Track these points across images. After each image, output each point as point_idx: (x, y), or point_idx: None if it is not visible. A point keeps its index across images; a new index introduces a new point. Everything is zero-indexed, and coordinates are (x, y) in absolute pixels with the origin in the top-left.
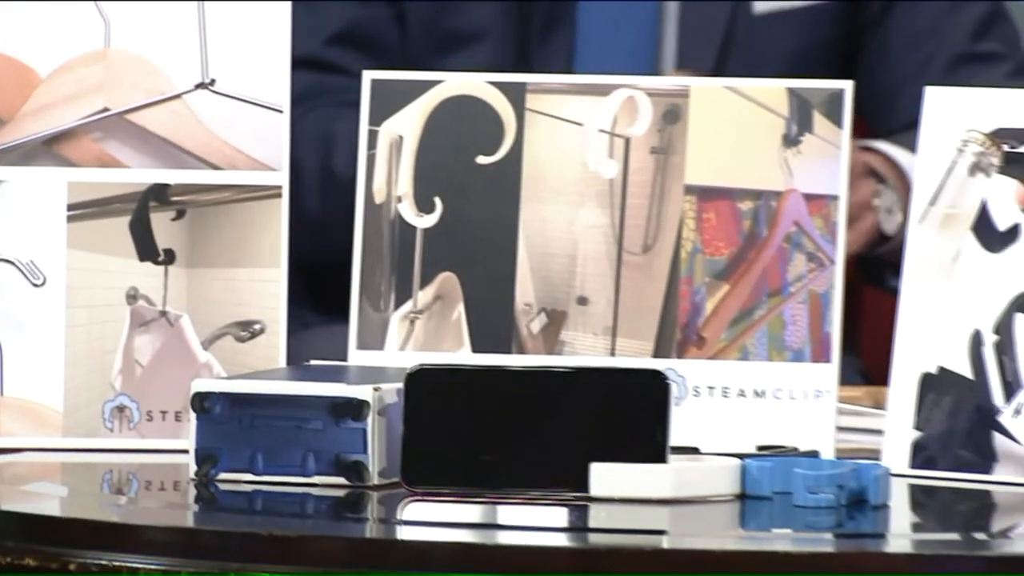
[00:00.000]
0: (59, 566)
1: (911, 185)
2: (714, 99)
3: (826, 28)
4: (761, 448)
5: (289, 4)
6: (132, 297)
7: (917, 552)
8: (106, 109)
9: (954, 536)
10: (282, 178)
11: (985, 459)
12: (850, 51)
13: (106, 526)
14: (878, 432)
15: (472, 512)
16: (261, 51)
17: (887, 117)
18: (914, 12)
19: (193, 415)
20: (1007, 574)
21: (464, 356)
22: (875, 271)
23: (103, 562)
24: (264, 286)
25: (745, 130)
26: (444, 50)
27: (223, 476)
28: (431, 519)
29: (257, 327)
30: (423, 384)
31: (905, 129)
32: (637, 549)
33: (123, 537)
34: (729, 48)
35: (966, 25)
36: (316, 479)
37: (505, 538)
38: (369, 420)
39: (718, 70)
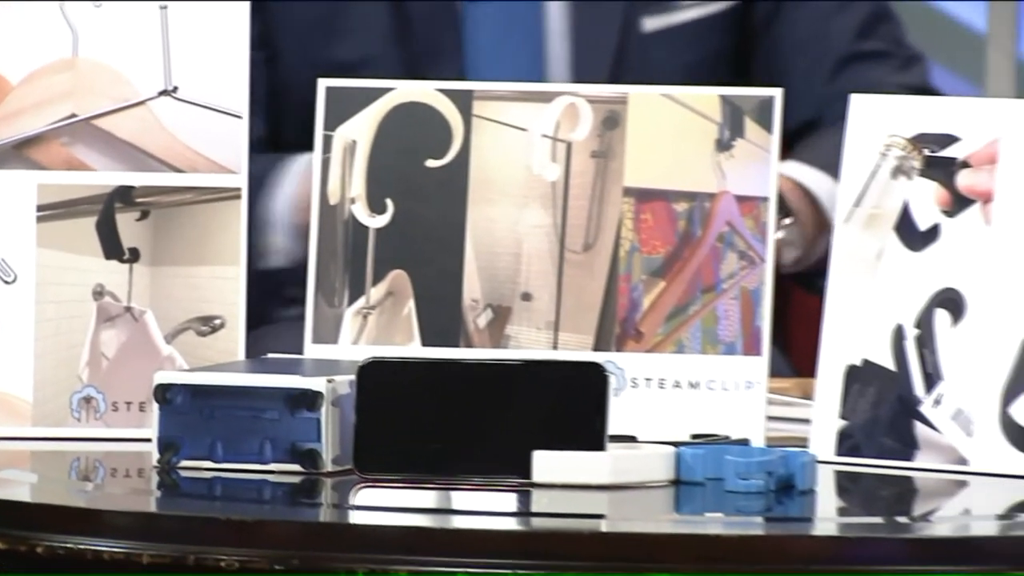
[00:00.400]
0: (27, 549)
1: (824, 212)
2: (651, 106)
3: (716, 40)
4: (695, 436)
5: (248, 15)
6: (98, 293)
7: (842, 535)
8: (74, 115)
9: (877, 520)
10: (241, 180)
11: (907, 447)
12: (741, 60)
13: (72, 511)
14: (806, 421)
15: (421, 497)
16: (221, 60)
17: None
18: (799, 17)
19: (156, 406)
20: (928, 556)
21: (414, 349)
22: (804, 276)
23: (69, 545)
24: (224, 283)
25: (680, 135)
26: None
27: (184, 464)
28: (382, 504)
29: (217, 322)
30: (374, 376)
31: (798, 129)
32: (577, 532)
33: (88, 522)
34: (621, 66)
35: (851, 25)
36: (273, 466)
37: (452, 522)
38: (323, 410)
39: None
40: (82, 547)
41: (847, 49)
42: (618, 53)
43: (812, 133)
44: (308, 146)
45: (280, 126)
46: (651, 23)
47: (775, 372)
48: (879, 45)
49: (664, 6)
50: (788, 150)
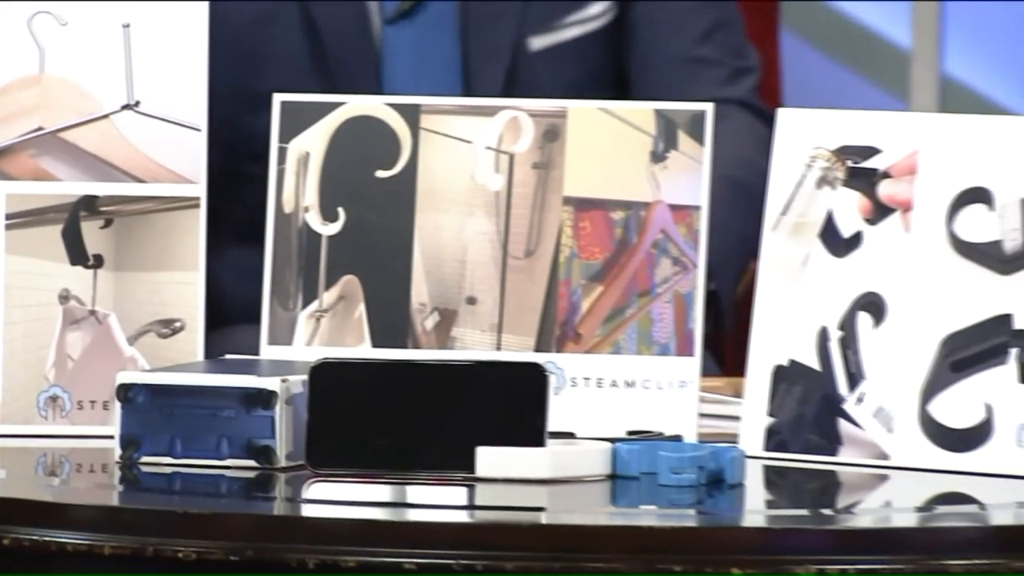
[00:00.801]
0: None
1: None
2: (589, 119)
3: (597, 55)
4: (630, 433)
5: (206, 32)
6: (64, 298)
7: (769, 527)
8: (41, 128)
9: (803, 512)
10: (200, 190)
11: (831, 443)
12: (621, 73)
13: (38, 505)
14: (735, 418)
15: (370, 492)
16: (181, 76)
17: None
18: (655, 22)
19: (118, 404)
20: (851, 546)
21: (364, 351)
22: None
23: (35, 538)
24: (184, 288)
25: (617, 147)
26: (257, 109)
27: (145, 459)
28: (333, 498)
29: (178, 324)
30: (326, 376)
31: None
32: (517, 524)
33: (53, 515)
34: (514, 83)
35: (695, 31)
36: (229, 462)
37: (399, 515)
38: (277, 408)
39: None
40: (47, 539)
41: (686, 53)
42: (510, 72)
43: None
44: (226, 171)
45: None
46: (537, 42)
47: (707, 372)
48: (712, 53)
49: (548, 26)
50: None
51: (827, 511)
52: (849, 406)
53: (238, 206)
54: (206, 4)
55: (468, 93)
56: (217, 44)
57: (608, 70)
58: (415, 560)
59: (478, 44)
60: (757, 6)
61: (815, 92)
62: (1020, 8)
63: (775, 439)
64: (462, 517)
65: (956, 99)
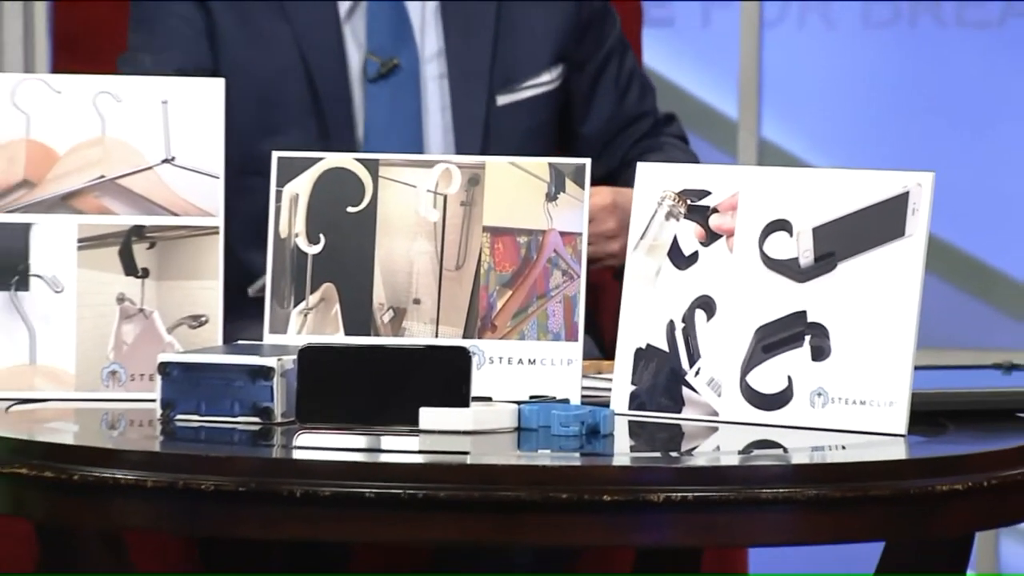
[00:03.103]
0: (67, 477)
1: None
2: (501, 170)
3: (548, 109)
4: (532, 397)
5: (223, 105)
6: (120, 300)
7: (631, 465)
8: (102, 176)
9: (656, 454)
10: (218, 221)
11: (676, 404)
12: (565, 123)
13: (100, 450)
14: (608, 388)
15: (343, 440)
16: (204, 138)
17: (598, 165)
18: (604, 95)
19: (159, 377)
20: (690, 479)
21: (339, 338)
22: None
23: (96, 474)
24: (208, 292)
25: (521, 190)
26: (268, 137)
27: (179, 417)
28: (315, 445)
29: (203, 319)
30: (311, 356)
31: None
32: (448, 464)
33: (111, 457)
34: (487, 128)
35: (635, 96)
36: (239, 419)
37: (363, 457)
38: (275, 380)
39: (483, 148)
40: (105, 475)
41: (632, 111)
42: (485, 121)
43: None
44: (235, 184)
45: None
46: (503, 99)
47: (587, 354)
48: (648, 107)
49: (511, 87)
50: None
51: (673, 454)
52: (690, 377)
53: (241, 214)
54: (222, 82)
55: (456, 135)
56: (242, 88)
57: (555, 119)
58: (374, 490)
59: (461, 101)
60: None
61: None
62: (823, 86)
63: (636, 401)
64: (409, 459)
65: (770, 156)
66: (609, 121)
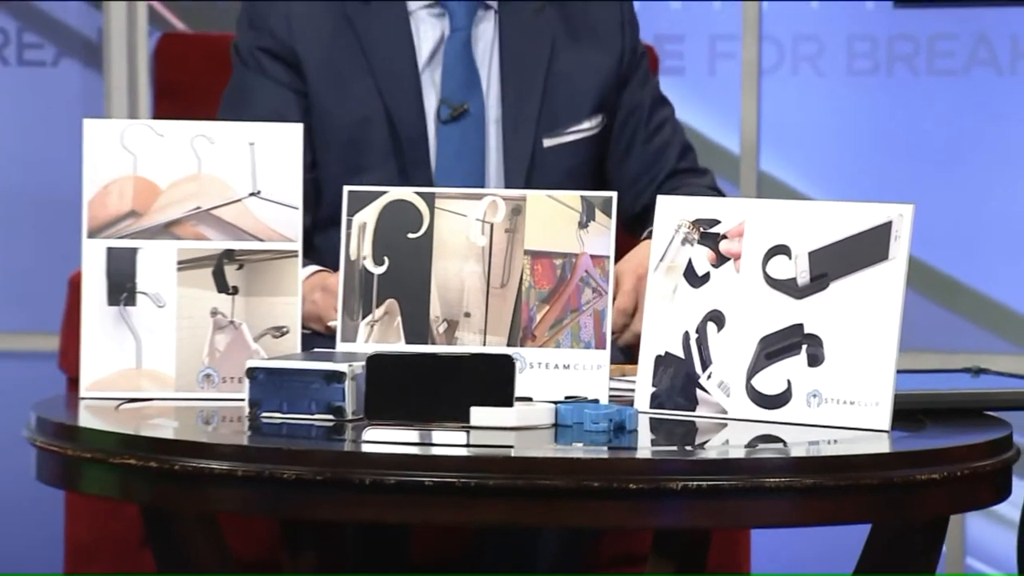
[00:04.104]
0: (168, 467)
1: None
2: (540, 202)
3: (589, 151)
4: (567, 398)
5: (301, 146)
6: (214, 314)
7: (652, 457)
8: (198, 207)
9: (674, 448)
10: (297, 246)
11: (691, 403)
12: (602, 163)
13: (197, 444)
14: (632, 389)
15: (406, 435)
16: (285, 174)
17: (625, 208)
18: (642, 144)
19: (247, 380)
20: (703, 469)
21: (401, 346)
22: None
23: (193, 464)
24: (288, 307)
25: (557, 219)
26: (356, 176)
27: (264, 415)
28: (381, 440)
29: (284, 330)
30: (377, 363)
31: (637, 214)
32: (495, 456)
33: (206, 450)
34: (533, 169)
35: (675, 152)
36: (316, 417)
37: (422, 450)
38: (346, 383)
39: (528, 182)
40: (201, 466)
41: (673, 167)
42: (531, 161)
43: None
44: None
45: (315, 219)
46: (548, 141)
47: (614, 360)
48: (689, 164)
49: (556, 132)
50: (628, 229)
51: (689, 447)
52: (702, 380)
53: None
54: (300, 126)
55: (507, 172)
56: (330, 135)
57: (595, 160)
58: (432, 479)
59: (511, 142)
60: None
61: None
62: (814, 126)
63: (656, 401)
64: (462, 452)
65: (768, 186)
66: (641, 164)
